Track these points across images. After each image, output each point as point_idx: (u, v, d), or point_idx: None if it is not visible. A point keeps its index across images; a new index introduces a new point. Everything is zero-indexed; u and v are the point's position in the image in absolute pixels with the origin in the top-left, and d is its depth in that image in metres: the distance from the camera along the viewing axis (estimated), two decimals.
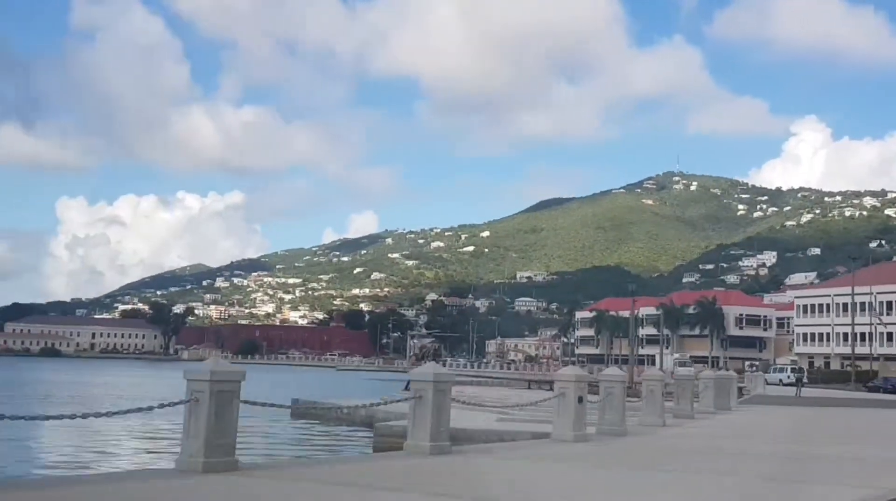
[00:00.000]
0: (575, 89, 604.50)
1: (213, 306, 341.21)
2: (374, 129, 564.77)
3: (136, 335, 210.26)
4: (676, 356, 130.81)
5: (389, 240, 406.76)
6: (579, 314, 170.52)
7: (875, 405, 40.31)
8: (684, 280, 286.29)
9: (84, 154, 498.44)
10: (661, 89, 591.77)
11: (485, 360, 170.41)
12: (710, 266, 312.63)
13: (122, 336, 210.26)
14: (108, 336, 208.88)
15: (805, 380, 62.49)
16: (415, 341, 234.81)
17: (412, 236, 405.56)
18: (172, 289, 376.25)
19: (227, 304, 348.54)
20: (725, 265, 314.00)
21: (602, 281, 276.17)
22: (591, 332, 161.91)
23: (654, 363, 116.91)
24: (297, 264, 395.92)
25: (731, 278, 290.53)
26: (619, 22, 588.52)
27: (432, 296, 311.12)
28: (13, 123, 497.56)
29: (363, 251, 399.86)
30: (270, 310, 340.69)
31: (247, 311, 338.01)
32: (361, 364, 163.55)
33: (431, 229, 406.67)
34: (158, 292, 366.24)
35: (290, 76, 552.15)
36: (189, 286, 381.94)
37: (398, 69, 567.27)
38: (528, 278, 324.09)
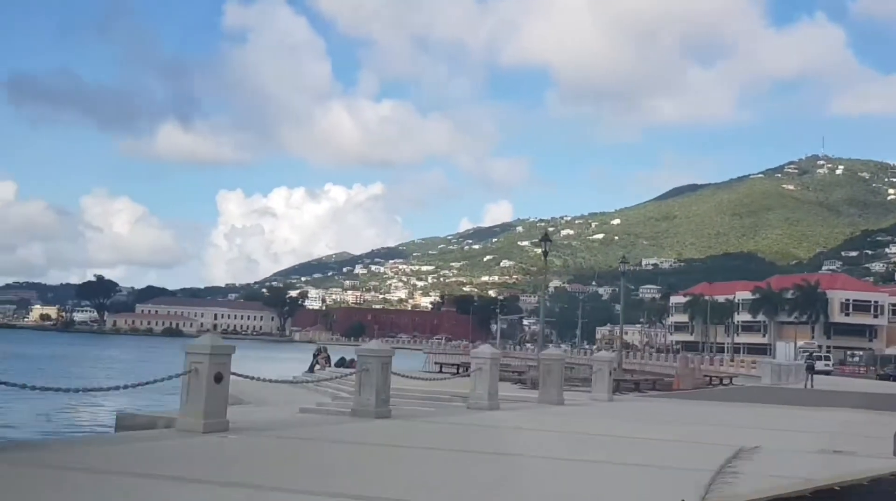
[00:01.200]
0: (709, 72, 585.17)
1: (349, 292, 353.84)
2: (506, 119, 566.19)
3: (255, 317, 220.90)
4: (802, 343, 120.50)
5: (520, 228, 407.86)
6: (673, 299, 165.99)
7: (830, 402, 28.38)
8: (824, 268, 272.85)
9: (237, 150, 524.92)
10: (801, 70, 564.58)
11: (587, 346, 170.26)
12: (854, 253, 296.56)
13: (242, 318, 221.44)
14: (229, 318, 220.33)
15: (830, 367, 58.03)
16: (526, 326, 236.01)
17: (542, 224, 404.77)
18: (316, 275, 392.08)
19: (363, 290, 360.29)
20: (871, 253, 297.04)
21: (731, 268, 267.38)
22: (685, 318, 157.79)
23: (767, 352, 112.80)
24: (430, 252, 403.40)
25: (877, 267, 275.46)
26: (756, 1, 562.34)
27: (556, 283, 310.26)
28: (173, 122, 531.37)
29: (494, 240, 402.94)
30: (403, 296, 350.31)
31: (381, 296, 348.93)
32: (447, 348, 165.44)
33: (562, 218, 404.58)
34: (303, 279, 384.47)
35: (424, 70, 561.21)
36: (331, 273, 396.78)
37: (528, 59, 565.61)
38: (654, 264, 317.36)
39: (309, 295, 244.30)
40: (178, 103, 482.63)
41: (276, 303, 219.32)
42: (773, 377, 49.12)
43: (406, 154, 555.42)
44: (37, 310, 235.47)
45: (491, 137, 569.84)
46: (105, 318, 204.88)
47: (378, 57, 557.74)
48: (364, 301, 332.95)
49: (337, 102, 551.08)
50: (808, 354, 56.99)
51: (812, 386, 46.50)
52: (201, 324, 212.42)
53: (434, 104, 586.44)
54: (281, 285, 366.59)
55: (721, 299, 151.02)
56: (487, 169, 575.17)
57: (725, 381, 47.04)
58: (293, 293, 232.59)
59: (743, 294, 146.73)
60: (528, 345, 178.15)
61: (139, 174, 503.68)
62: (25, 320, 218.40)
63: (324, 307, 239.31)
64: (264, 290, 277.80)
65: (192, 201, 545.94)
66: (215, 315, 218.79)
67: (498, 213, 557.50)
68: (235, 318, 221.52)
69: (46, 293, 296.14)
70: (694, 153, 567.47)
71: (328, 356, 40.64)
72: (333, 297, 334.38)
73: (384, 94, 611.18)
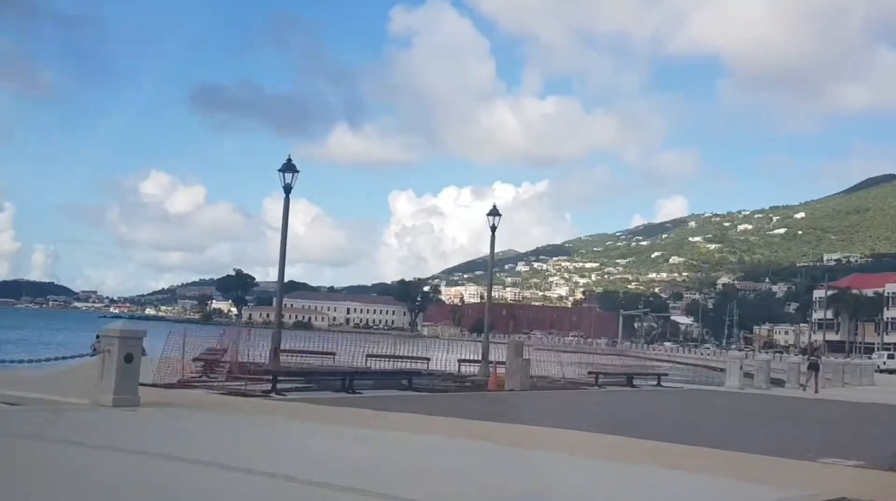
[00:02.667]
0: None
1: (508, 289, 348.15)
2: (675, 111, 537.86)
3: (387, 311, 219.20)
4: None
5: (692, 224, 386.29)
6: (816, 294, 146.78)
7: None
8: None
9: (405, 151, 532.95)
10: None
11: (733, 346, 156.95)
12: None
13: (375, 312, 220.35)
14: (362, 312, 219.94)
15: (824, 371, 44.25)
16: (684, 325, 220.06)
17: (717, 219, 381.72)
18: (478, 273, 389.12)
19: (523, 287, 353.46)
20: None
21: None
22: (829, 314, 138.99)
23: None
24: (595, 249, 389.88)
25: None
26: None
27: (724, 280, 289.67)
28: (342, 125, 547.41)
29: (664, 236, 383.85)
30: (563, 293, 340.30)
31: (540, 294, 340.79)
32: (568, 345, 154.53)
33: (739, 212, 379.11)
34: (465, 276, 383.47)
35: (588, 65, 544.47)
36: (493, 270, 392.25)
37: (697, 49, 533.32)
38: (837, 260, 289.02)
39: (442, 290, 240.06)
40: (348, 108, 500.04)
41: (408, 298, 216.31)
42: (761, 377, 36.79)
43: (571, 150, 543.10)
44: (213, 305, 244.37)
45: (658, 130, 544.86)
46: (241, 311, 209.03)
47: (541, 54, 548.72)
48: (522, 299, 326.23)
49: (501, 101, 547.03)
50: (812, 349, 42.98)
51: (816, 391, 34.97)
52: (333, 318, 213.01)
53: (599, 99, 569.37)
54: (443, 283, 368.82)
55: (870, 292, 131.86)
56: (656, 163, 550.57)
57: (648, 380, 35.72)
58: (426, 289, 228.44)
59: (893, 286, 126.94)
60: (668, 344, 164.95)
61: (314, 176, 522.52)
62: (196, 314, 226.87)
63: (460, 303, 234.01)
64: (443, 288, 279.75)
65: (365, 202, 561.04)
66: (348, 309, 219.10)
67: (671, 208, 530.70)
68: (368, 312, 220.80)
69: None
70: (888, 142, 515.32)
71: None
72: (493, 294, 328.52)
73: (548, 91, 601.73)
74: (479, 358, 31.11)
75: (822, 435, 17.53)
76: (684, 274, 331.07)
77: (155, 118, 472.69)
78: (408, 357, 29.96)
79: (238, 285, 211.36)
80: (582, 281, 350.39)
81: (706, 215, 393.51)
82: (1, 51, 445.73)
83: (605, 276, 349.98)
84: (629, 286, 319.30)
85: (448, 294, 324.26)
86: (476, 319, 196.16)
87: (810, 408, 25.86)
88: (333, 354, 27.83)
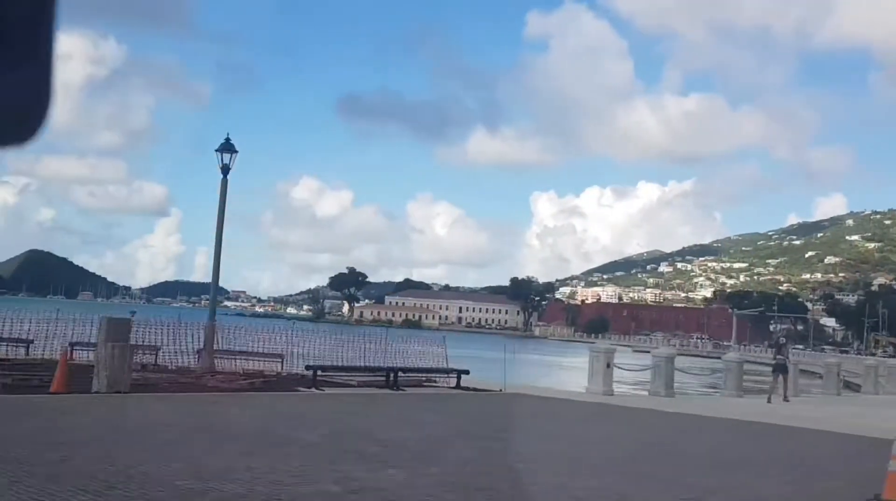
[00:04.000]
0: None
1: (649, 290, 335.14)
2: (825, 106, 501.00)
3: (500, 310, 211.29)
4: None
5: (850, 222, 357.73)
6: None
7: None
8: None
9: (543, 152, 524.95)
10: None
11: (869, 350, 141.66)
12: None
13: (487, 312, 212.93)
14: (474, 311, 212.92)
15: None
16: (831, 329, 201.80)
17: (877, 216, 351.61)
18: (618, 274, 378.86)
19: (665, 288, 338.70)
20: None
21: None
22: None
23: None
24: (744, 249, 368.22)
25: None
26: None
27: (881, 280, 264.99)
28: (481, 128, 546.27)
29: (819, 235, 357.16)
30: (709, 295, 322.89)
31: (683, 295, 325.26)
32: (687, 348, 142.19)
33: None
34: (604, 277, 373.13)
35: (730, 61, 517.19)
36: (634, 271, 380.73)
37: (844, 41, 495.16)
38: None
39: (578, 291, 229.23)
40: (486, 111, 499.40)
41: (520, 296, 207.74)
42: (660, 381, 26.18)
43: (716, 147, 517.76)
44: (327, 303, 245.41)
45: (809, 125, 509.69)
46: (353, 308, 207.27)
47: (680, 51, 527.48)
48: (664, 299, 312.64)
49: (640, 99, 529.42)
50: (778, 345, 31.31)
51: (786, 399, 25.87)
52: (445, 317, 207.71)
53: (743, 95, 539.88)
54: (582, 283, 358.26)
55: None
56: (807, 160, 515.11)
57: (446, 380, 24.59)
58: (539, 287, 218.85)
59: None
60: (800, 347, 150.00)
61: (455, 179, 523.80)
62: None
63: (548, 301, 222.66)
64: (583, 289, 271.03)
65: (506, 203, 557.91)
66: (460, 308, 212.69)
67: (828, 206, 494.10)
68: (480, 311, 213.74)
69: (370, 291, 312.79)
70: None
71: None
72: (631, 295, 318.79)
73: (689, 88, 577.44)
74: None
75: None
76: (840, 275, 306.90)
77: (303, 127, 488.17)
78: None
79: (351, 283, 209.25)
80: (729, 282, 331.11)
81: (865, 212, 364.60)
82: (163, 67, 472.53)
83: (755, 277, 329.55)
84: (781, 287, 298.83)
85: (584, 295, 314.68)
86: (590, 319, 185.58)
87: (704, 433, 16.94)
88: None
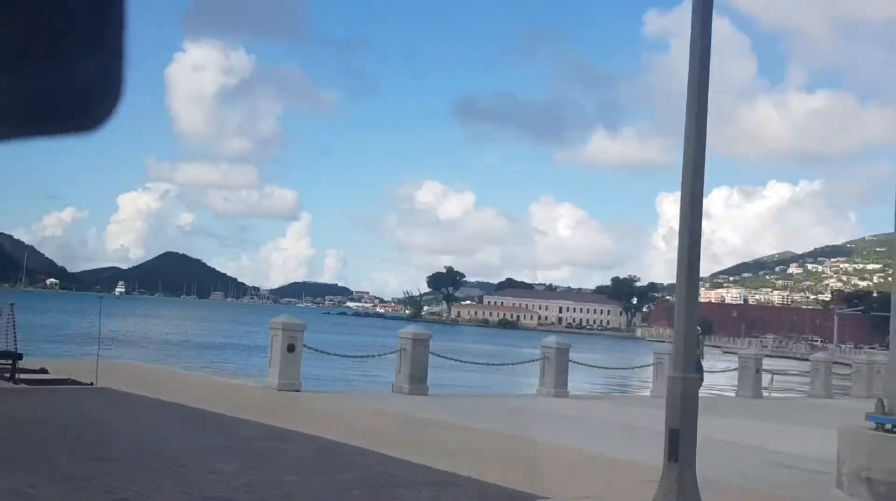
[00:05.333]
0: None
1: (776, 292, 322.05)
2: None
3: (601, 311, 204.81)
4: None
5: None
6: None
7: None
8: None
9: (665, 152, 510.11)
10: None
11: None
12: None
13: (589, 312, 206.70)
14: (575, 311, 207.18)
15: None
16: None
17: None
18: (745, 275, 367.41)
19: (794, 290, 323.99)
20: None
21: None
22: None
23: None
24: (878, 250, 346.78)
25: None
26: None
27: None
28: (600, 129, 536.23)
29: None
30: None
31: (812, 297, 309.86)
32: (785, 350, 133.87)
33: None
34: (731, 279, 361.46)
35: (857, 56, 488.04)
36: (761, 272, 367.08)
37: None
38: None
39: (701, 293, 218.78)
40: (604, 112, 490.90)
41: (622, 296, 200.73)
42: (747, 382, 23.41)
43: (846, 145, 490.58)
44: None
45: None
46: (451, 307, 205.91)
47: (804, 48, 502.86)
48: (792, 302, 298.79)
49: (764, 97, 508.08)
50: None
51: None
52: (545, 317, 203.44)
53: (873, 91, 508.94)
54: (706, 284, 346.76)
55: None
56: None
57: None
58: (640, 285, 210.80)
59: None
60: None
61: (577, 181, 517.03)
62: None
63: (654, 300, 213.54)
64: (709, 292, 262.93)
65: (630, 204, 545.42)
66: (560, 308, 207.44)
67: None
68: (582, 312, 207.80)
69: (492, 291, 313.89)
70: None
71: None
72: (757, 297, 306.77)
73: (815, 85, 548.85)
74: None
75: None
76: None
77: (423, 130, 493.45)
78: None
79: (448, 282, 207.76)
80: (862, 284, 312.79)
81: None
82: (289, 76, 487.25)
83: (889, 278, 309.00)
84: None
85: (707, 296, 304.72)
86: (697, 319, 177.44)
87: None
88: None
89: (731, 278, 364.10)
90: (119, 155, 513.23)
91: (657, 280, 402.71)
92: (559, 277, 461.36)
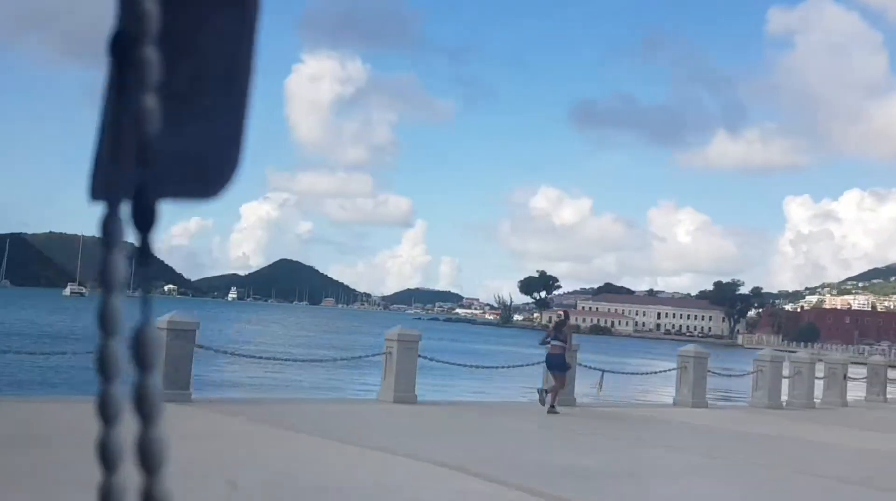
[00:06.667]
0: None
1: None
2: None
3: (703, 317, 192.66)
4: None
5: None
6: None
7: None
8: None
9: (791, 154, 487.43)
10: None
11: None
12: None
13: (689, 318, 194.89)
14: (674, 317, 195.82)
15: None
16: None
17: None
18: (875, 281, 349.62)
19: None
20: None
21: None
22: None
23: None
24: None
25: None
26: None
27: None
28: (721, 131, 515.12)
29: None
30: None
31: None
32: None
33: None
34: (860, 285, 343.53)
35: None
36: (893, 278, 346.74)
37: None
38: None
39: (804, 298, 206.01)
40: (726, 113, 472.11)
41: (725, 301, 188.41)
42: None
43: None
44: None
45: None
46: (542, 314, 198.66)
47: None
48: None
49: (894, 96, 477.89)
50: (557, 323, 18.25)
51: (553, 406, 17.14)
52: (643, 323, 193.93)
53: None
54: (833, 291, 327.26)
55: None
56: None
57: None
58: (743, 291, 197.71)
59: None
60: None
61: (697, 185, 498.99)
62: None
63: (798, 309, 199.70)
64: (836, 298, 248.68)
65: (754, 209, 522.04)
66: (658, 314, 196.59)
67: None
68: (682, 317, 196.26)
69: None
70: None
71: None
72: (886, 304, 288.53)
73: None
74: None
75: None
76: None
77: (539, 135, 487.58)
78: None
79: (540, 286, 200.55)
80: None
81: None
82: (403, 84, 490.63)
83: None
84: None
85: (833, 303, 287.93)
86: (801, 326, 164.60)
87: None
88: None
89: (860, 285, 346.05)
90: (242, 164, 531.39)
91: (784, 287, 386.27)
92: (680, 284, 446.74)
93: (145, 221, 0.64)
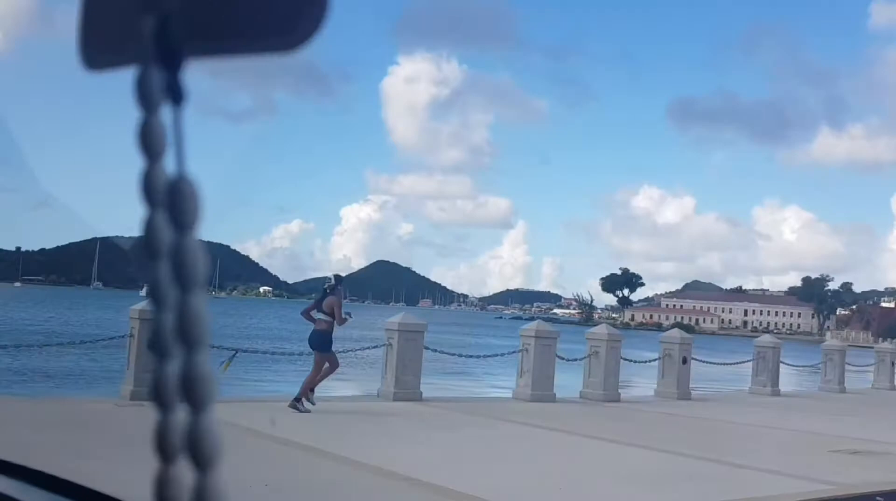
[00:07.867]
0: None
1: None
2: None
3: (792, 313, 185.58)
4: None
5: None
6: None
7: None
8: None
9: (895, 150, 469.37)
10: None
11: None
12: None
13: (777, 315, 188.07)
14: (761, 314, 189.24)
15: None
16: None
17: None
18: None
19: None
20: None
21: None
22: None
23: None
24: None
25: None
26: None
27: None
28: (824, 128, 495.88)
29: None
30: None
31: None
32: None
33: None
34: None
35: None
36: None
37: None
38: None
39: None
40: (830, 109, 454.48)
41: (811, 298, 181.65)
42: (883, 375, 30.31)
43: None
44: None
45: None
46: (626, 311, 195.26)
47: None
48: None
49: None
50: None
51: None
52: (728, 320, 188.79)
53: None
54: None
55: None
56: None
57: None
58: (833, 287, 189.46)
59: None
60: None
61: (801, 182, 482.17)
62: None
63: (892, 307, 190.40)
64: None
65: (862, 205, 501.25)
66: (745, 311, 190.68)
67: None
68: (769, 314, 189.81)
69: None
70: None
71: None
72: None
73: None
74: None
75: None
76: None
77: (639, 134, 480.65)
78: None
79: (623, 284, 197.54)
80: None
81: None
82: (500, 85, 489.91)
83: None
84: None
85: None
86: (888, 324, 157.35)
87: None
88: None
89: None
90: (341, 168, 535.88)
91: (891, 284, 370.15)
92: (786, 282, 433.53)
93: (172, 58, 0.58)
